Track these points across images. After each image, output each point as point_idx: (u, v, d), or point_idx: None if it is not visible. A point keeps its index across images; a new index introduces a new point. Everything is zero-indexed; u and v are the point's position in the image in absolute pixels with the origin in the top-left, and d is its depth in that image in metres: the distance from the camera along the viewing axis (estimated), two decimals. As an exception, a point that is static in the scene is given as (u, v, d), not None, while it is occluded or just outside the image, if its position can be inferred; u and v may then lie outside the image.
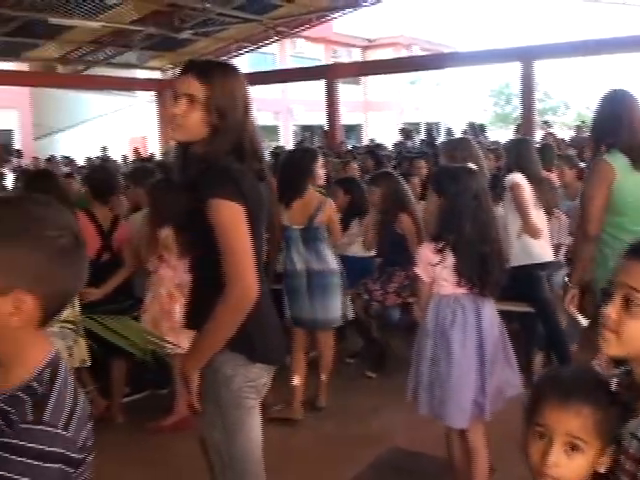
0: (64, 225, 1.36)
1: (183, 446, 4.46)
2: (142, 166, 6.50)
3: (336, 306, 4.86)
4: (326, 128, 19.55)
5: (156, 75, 22.30)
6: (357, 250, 5.93)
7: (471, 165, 3.48)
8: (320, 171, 4.84)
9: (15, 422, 1.28)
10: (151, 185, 4.74)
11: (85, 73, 20.14)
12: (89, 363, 4.27)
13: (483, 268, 3.24)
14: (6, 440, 1.26)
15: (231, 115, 2.42)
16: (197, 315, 2.47)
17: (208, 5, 16.15)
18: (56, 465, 1.27)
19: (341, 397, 5.16)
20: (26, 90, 23.35)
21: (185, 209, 2.50)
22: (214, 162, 2.38)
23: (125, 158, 18.61)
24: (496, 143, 12.67)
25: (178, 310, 4.65)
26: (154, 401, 5.28)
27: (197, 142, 2.46)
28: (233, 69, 2.51)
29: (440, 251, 3.24)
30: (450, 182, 3.29)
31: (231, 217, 2.33)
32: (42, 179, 4.76)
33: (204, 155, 2.42)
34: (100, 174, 5.10)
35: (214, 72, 2.43)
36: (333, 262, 4.85)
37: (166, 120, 21.68)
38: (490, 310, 3.33)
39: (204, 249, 2.42)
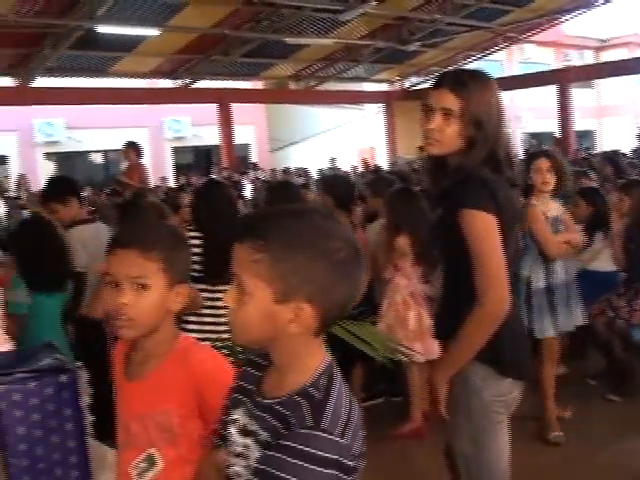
0: (345, 237, 1.38)
1: (420, 454, 4.51)
2: (382, 177, 6.62)
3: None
4: (557, 135, 18.84)
5: (384, 87, 22.71)
6: (601, 264, 5.61)
7: None
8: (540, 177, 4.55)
9: (293, 426, 1.32)
10: (391, 195, 4.82)
11: (316, 89, 20.92)
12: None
13: None
14: (284, 443, 1.30)
15: (487, 125, 2.38)
16: (447, 325, 2.47)
17: (437, 16, 16.19)
18: (331, 471, 1.29)
19: (584, 420, 4.90)
20: (262, 106, 24.68)
21: (437, 220, 2.50)
22: (469, 173, 2.36)
23: (354, 169, 19.08)
24: None
25: (412, 318, 4.68)
26: (388, 408, 5.33)
27: (452, 154, 2.45)
28: (486, 77, 2.47)
29: None
30: None
31: (485, 228, 2.30)
32: (284, 189, 4.98)
33: (459, 166, 2.41)
34: (342, 184, 5.24)
35: (468, 83, 2.40)
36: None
37: (394, 131, 22.09)
38: None
39: (455, 259, 2.42)
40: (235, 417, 1.48)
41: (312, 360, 1.42)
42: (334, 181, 5.48)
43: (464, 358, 2.40)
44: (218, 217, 4.24)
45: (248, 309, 1.37)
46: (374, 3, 13.89)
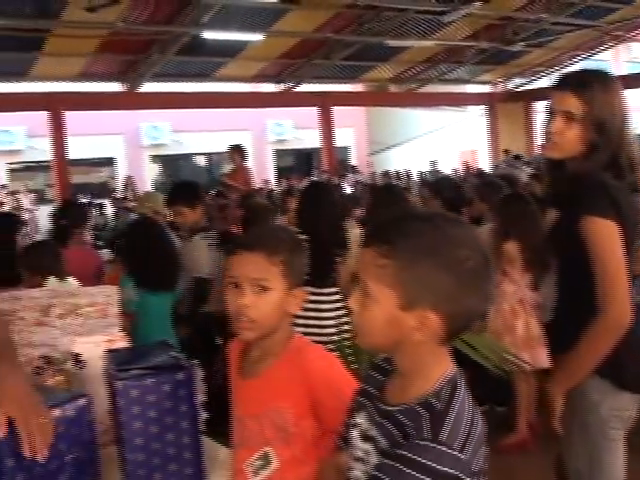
0: (474, 244, 1.34)
1: (525, 468, 4.39)
2: (490, 180, 6.51)
3: None
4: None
5: (486, 89, 22.35)
6: None
7: None
8: None
9: (411, 436, 1.30)
10: (500, 199, 4.72)
11: (417, 91, 20.78)
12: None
13: None
14: (401, 452, 1.28)
15: (609, 128, 2.28)
16: (564, 336, 2.38)
17: (543, 15, 15.81)
18: None
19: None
20: (362, 109, 24.71)
21: (555, 225, 2.42)
22: (590, 178, 2.27)
23: (455, 172, 18.86)
24: None
25: (520, 326, 4.57)
26: (491, 417, 5.21)
27: (571, 158, 2.36)
28: (610, 78, 2.36)
29: None
30: None
31: (607, 236, 2.21)
32: (388, 193, 4.96)
33: (579, 171, 2.32)
34: (451, 188, 5.18)
35: (592, 86, 2.30)
36: None
37: (496, 133, 21.71)
38: None
39: (573, 267, 2.33)
40: (357, 421, 1.46)
41: (436, 369, 1.38)
42: (442, 184, 5.41)
43: (583, 371, 2.31)
44: (322, 219, 4.26)
45: (372, 314, 1.36)
46: (479, 4, 13.68)
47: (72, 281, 2.80)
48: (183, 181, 5.57)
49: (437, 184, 5.49)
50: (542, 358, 4.27)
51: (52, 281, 2.89)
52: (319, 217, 4.29)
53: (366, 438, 1.42)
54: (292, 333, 1.93)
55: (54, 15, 12.43)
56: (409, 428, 1.32)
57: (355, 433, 1.46)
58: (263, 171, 21.43)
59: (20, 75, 14.94)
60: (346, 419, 1.54)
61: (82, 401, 1.87)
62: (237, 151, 9.26)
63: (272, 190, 16.07)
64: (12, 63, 14.52)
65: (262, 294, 1.82)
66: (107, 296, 2.53)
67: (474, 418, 1.35)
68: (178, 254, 4.75)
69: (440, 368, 1.38)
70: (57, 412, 1.79)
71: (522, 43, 17.45)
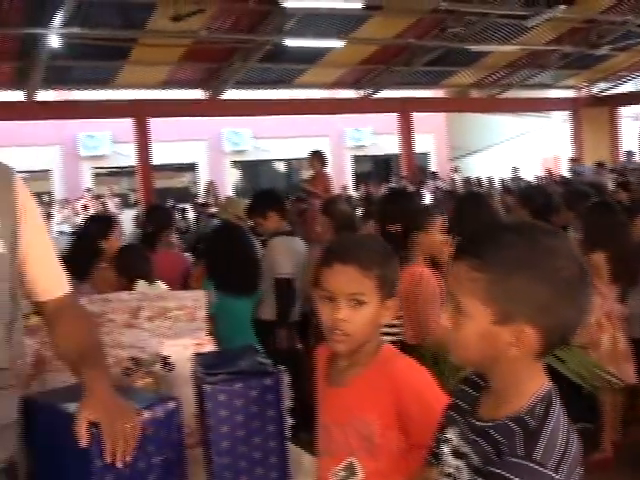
0: (569, 255, 1.31)
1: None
2: (577, 188, 6.37)
3: None
4: None
5: (570, 94, 21.88)
6: None
7: None
8: None
9: (504, 453, 1.27)
10: (587, 208, 4.60)
11: (499, 96, 20.49)
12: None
13: None
14: (494, 470, 1.26)
15: None
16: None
17: (630, 17, 15.38)
18: None
19: None
20: (442, 115, 24.52)
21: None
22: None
23: (538, 179, 18.50)
24: None
25: (606, 340, 4.44)
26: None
27: None
28: None
29: None
30: None
31: None
32: (473, 201, 4.89)
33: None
34: (540, 196, 5.08)
35: None
36: None
37: (580, 140, 21.22)
38: None
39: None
40: (449, 436, 1.44)
41: (531, 385, 1.34)
42: (530, 192, 5.30)
43: None
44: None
45: (466, 330, 1.34)
46: (563, 7, 13.40)
47: (161, 284, 2.86)
48: (257, 192, 5.68)
49: (525, 192, 5.38)
50: (629, 374, 4.15)
51: (141, 284, 2.96)
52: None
53: (458, 454, 1.40)
54: (381, 342, 1.91)
55: (140, 25, 12.78)
56: (502, 445, 1.29)
57: (446, 449, 1.44)
58: (341, 177, 21.47)
59: (106, 83, 15.40)
60: (436, 434, 1.51)
61: (172, 404, 1.91)
62: (317, 157, 9.31)
63: (350, 196, 16.09)
64: (99, 71, 15.00)
65: (357, 308, 1.80)
66: (195, 300, 2.58)
67: (569, 437, 1.31)
68: (259, 258, 4.81)
69: (535, 384, 1.35)
70: (147, 414, 1.83)
71: (607, 46, 17.01)
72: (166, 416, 1.89)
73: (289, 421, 2.01)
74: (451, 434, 1.44)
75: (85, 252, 4.25)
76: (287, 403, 1.99)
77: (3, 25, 11.73)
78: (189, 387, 2.20)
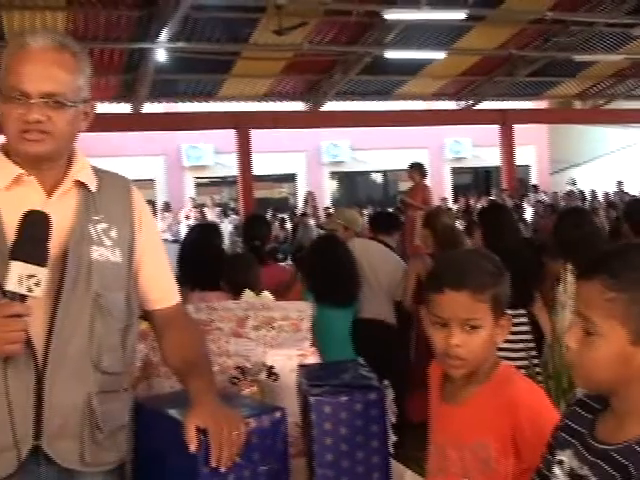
0: None
1: None
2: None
3: None
4: None
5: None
6: None
7: None
8: None
9: (634, 477, 1.24)
10: None
11: (603, 107, 19.91)
12: None
13: None
14: None
15: None
16: None
17: None
18: None
19: None
20: (544, 126, 23.97)
21: None
22: None
23: (644, 193, 17.86)
24: None
25: None
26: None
27: None
28: None
29: None
30: None
31: None
32: (576, 216, 4.76)
33: None
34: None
35: None
36: None
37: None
38: None
39: None
40: (561, 459, 1.41)
41: None
42: (636, 206, 5.12)
43: None
44: (503, 241, 4.20)
45: (598, 351, 1.30)
46: (674, 14, 12.95)
47: (267, 294, 2.90)
48: (380, 212, 6.00)
49: (629, 206, 5.20)
50: None
51: (248, 294, 3.01)
52: (499, 238, 4.23)
53: (574, 477, 1.36)
54: (498, 360, 1.88)
55: (244, 39, 13.05)
56: (630, 468, 1.25)
57: (559, 471, 1.40)
58: (440, 189, 21.26)
59: (210, 95, 15.80)
60: (546, 455, 1.48)
61: (278, 413, 1.93)
62: (417, 169, 9.29)
63: (449, 209, 15.93)
64: (203, 84, 15.40)
65: (472, 332, 1.77)
66: (300, 311, 2.60)
67: None
68: (358, 270, 4.82)
69: None
70: (253, 423, 1.86)
71: None
72: (272, 425, 1.91)
73: (393, 437, 2.00)
74: (564, 456, 1.40)
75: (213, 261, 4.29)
76: (391, 419, 1.98)
77: (113, 40, 12.24)
78: (292, 397, 2.23)
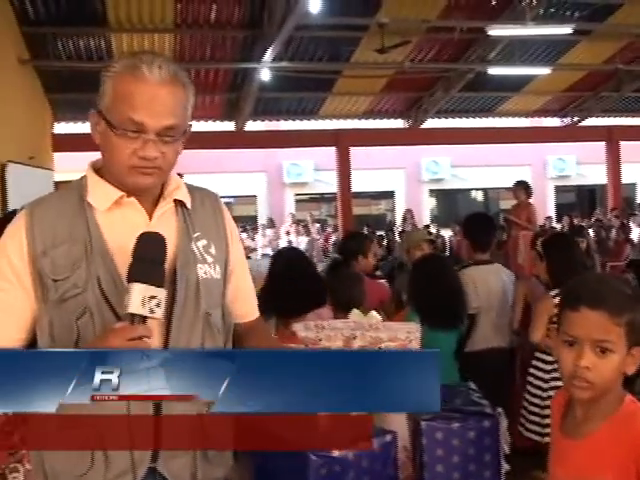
0: None
1: None
2: None
3: None
4: None
5: None
6: None
7: None
8: None
9: None
10: None
11: None
12: None
13: None
14: None
15: None
16: None
17: None
18: None
19: None
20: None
21: None
22: None
23: None
24: None
25: None
26: None
27: None
28: None
29: None
30: None
31: None
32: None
33: None
34: None
35: None
36: None
37: None
38: None
39: None
40: None
41: None
42: None
43: None
44: (570, 269, 4.15)
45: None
46: None
47: (375, 314, 2.88)
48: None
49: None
50: None
51: (356, 313, 3.00)
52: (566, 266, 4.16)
53: None
54: (624, 393, 1.80)
55: (345, 57, 13.15)
56: None
57: None
58: (543, 208, 20.78)
59: (311, 114, 15.99)
60: None
61: (388, 437, 1.92)
62: (522, 188, 9.10)
63: (553, 228, 15.53)
64: (305, 102, 15.59)
65: (602, 356, 1.71)
66: (409, 333, 2.58)
67: None
68: (463, 290, 4.72)
69: None
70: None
71: None
72: (382, 449, 1.90)
73: (505, 467, 1.95)
74: None
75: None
76: (505, 448, 1.93)
77: (218, 60, 12.56)
78: (402, 420, 2.21)
